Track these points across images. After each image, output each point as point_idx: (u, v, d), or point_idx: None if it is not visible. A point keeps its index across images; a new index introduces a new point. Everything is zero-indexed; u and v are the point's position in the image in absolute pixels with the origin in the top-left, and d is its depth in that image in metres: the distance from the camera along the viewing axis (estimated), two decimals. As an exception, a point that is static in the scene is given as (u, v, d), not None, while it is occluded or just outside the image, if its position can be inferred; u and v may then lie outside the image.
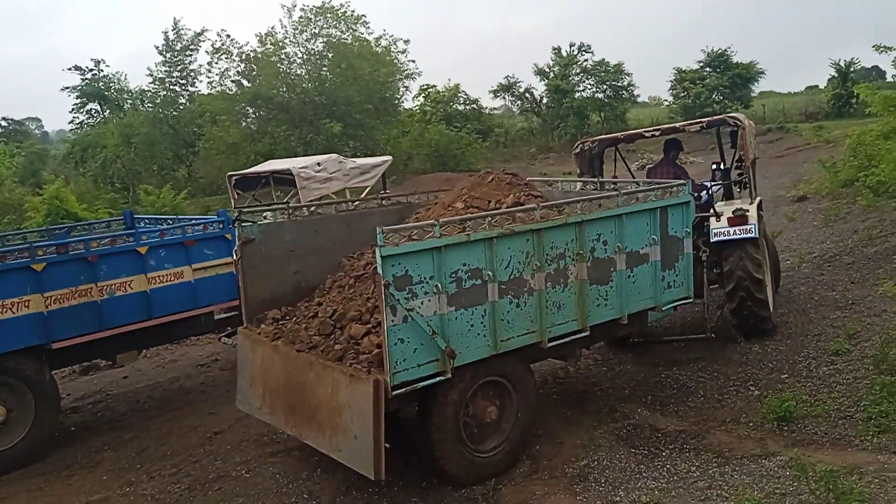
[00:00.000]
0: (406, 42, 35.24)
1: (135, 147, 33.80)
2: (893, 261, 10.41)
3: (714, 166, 9.40)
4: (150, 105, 36.63)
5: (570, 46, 43.38)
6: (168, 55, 36.03)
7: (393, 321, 4.90)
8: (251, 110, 33.08)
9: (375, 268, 4.86)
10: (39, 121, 63.23)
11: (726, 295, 8.15)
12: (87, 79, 40.92)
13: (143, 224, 10.32)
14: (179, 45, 36.08)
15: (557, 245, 5.83)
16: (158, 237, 8.36)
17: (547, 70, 43.62)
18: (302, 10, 32.41)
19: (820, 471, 5.13)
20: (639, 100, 48.13)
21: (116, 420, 8.39)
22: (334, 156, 10.73)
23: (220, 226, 8.90)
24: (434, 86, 40.66)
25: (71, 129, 44.51)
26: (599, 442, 6.34)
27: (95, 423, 8.35)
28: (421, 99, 40.26)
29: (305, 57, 32.97)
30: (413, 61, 36.21)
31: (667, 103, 47.65)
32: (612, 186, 7.51)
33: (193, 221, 9.07)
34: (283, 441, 7.13)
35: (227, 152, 31.15)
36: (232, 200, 11.06)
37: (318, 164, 10.33)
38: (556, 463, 6.02)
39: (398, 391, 4.95)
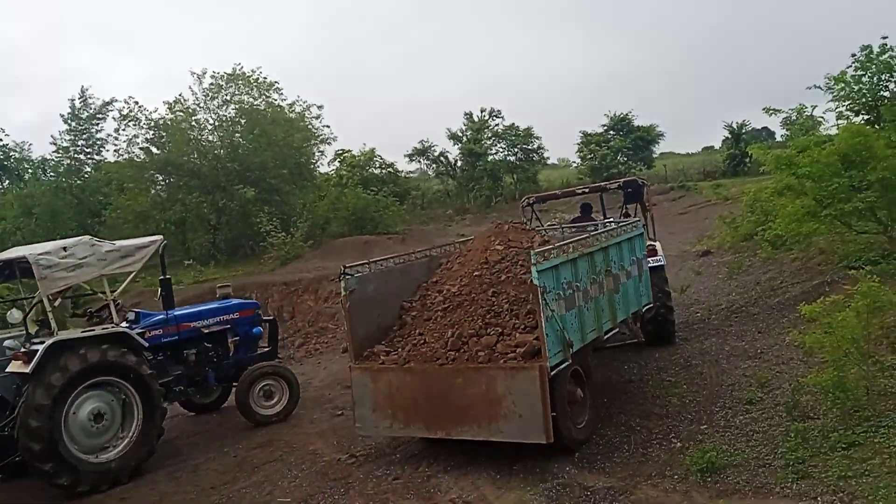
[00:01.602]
0: (320, 107, 35.16)
1: (36, 218, 32.15)
2: (795, 310, 10.96)
3: (621, 215, 11.71)
4: (52, 174, 35.15)
5: (482, 112, 44.66)
6: (73, 123, 34.84)
7: (545, 319, 6.47)
8: (161, 177, 32.22)
9: (531, 280, 6.51)
10: (-71, 191, 59.42)
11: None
12: (-17, 148, 39.08)
13: None
14: (86, 112, 35.01)
15: (598, 264, 7.79)
16: None
17: (460, 134, 44.62)
18: (212, 76, 32.14)
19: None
20: (549, 161, 49.70)
21: None
22: (86, 238, 9.18)
23: None
24: (349, 150, 40.84)
25: (-35, 201, 42.17)
26: (529, 503, 6.28)
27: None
28: (337, 163, 40.34)
29: (217, 123, 32.55)
30: (328, 126, 36.21)
31: (575, 164, 49.51)
32: (603, 225, 9.94)
33: None
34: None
35: (135, 221, 30.04)
36: None
37: (65, 248, 8.75)
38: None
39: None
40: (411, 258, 8.87)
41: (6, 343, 8.93)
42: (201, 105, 32.16)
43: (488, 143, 44.14)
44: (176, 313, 9.96)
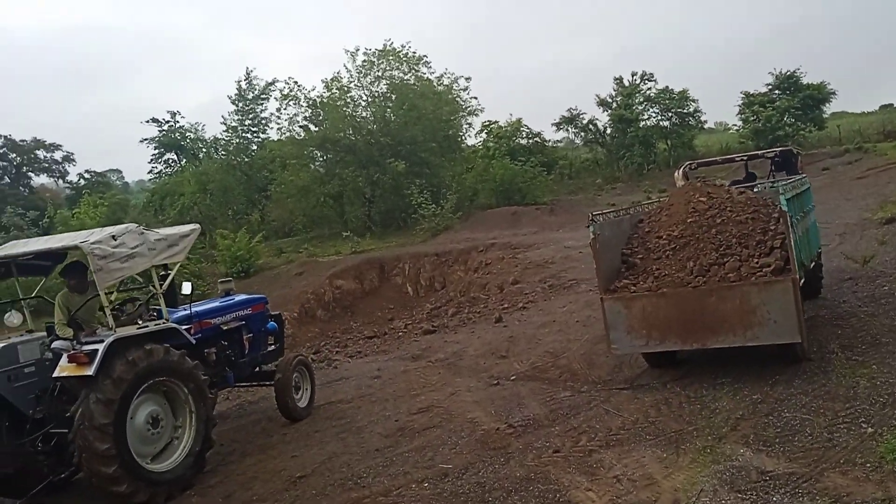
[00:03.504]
0: (467, 79, 35.43)
1: (210, 193, 34.99)
2: None
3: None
4: (223, 153, 37.96)
5: (632, 76, 42.95)
6: (240, 104, 37.40)
7: (792, 240, 7.96)
8: (319, 153, 33.85)
9: (780, 207, 8.07)
10: (120, 172, 66.32)
11: None
12: (163, 130, 42.91)
13: None
14: (251, 94, 37.42)
15: (799, 205, 9.23)
16: None
17: (609, 100, 43.22)
18: (365, 53, 33.17)
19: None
20: (706, 126, 46.98)
21: (201, 464, 8.43)
22: (133, 226, 8.18)
23: None
24: (496, 121, 40.85)
25: (150, 179, 46.65)
26: (701, 486, 5.97)
27: (182, 467, 8.37)
28: (484, 135, 40.46)
29: (370, 99, 33.65)
30: (475, 98, 36.38)
31: (735, 128, 46.44)
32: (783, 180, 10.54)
33: None
34: (367, 486, 7.01)
35: (297, 195, 31.91)
36: None
37: (114, 237, 7.72)
38: (657, 509, 5.68)
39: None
40: (636, 209, 10.34)
41: (55, 345, 7.85)
42: (355, 82, 33.31)
43: (640, 108, 42.36)
44: (196, 310, 9.13)
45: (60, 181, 55.58)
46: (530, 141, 40.18)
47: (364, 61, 33.17)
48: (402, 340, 14.99)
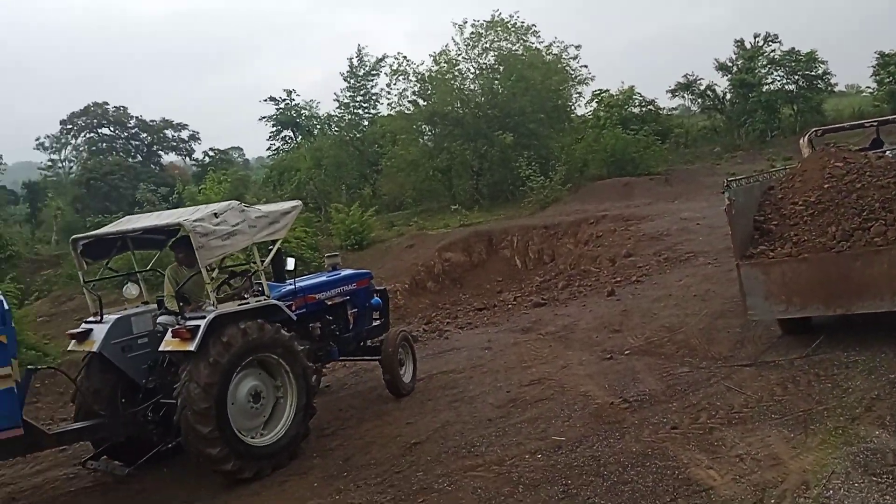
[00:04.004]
0: (577, 48, 34.55)
1: (324, 169, 36.09)
2: None
3: None
4: (336, 129, 39.04)
5: (755, 37, 40.36)
6: (352, 81, 38.26)
7: None
8: (427, 128, 34.12)
9: None
10: (241, 149, 69.60)
11: None
12: (280, 108, 44.62)
13: None
14: (363, 70, 38.19)
15: None
16: None
17: (729, 64, 40.91)
18: (473, 26, 32.99)
19: None
20: (836, 89, 43.60)
21: (322, 428, 8.79)
22: (235, 203, 8.26)
23: None
24: (607, 90, 39.61)
25: (268, 156, 48.74)
26: (832, 468, 5.65)
27: (304, 430, 8.77)
28: (594, 104, 39.40)
29: (477, 72, 33.50)
30: (585, 66, 35.41)
31: (869, 91, 42.88)
32: None
33: None
34: (481, 454, 7.10)
35: (407, 169, 32.36)
36: (80, 273, 8.52)
37: (216, 214, 7.81)
38: (784, 491, 5.44)
39: None
40: (764, 176, 10.27)
41: (160, 320, 8.15)
42: (462, 55, 33.25)
43: (763, 71, 39.91)
44: (301, 284, 9.19)
45: (187, 159, 59.21)
46: (643, 109, 38.69)
47: (472, 33, 33.02)
48: (511, 313, 14.99)
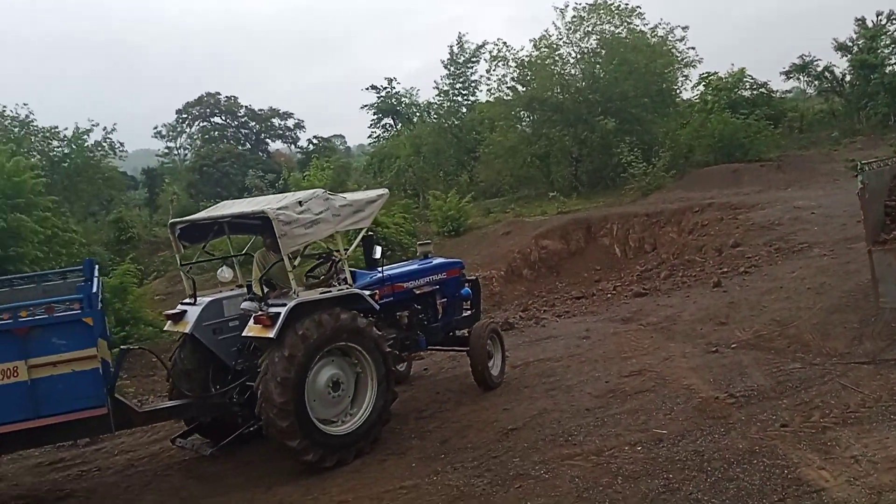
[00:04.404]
0: (684, 29, 33.25)
1: (423, 156, 36.56)
2: None
3: None
4: (435, 116, 39.42)
5: (877, 15, 37.56)
6: (452, 68, 38.52)
7: None
8: (526, 114, 33.86)
9: None
10: (343, 137, 71.47)
11: None
12: (381, 96, 45.51)
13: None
14: (462, 57, 38.35)
15: None
16: None
17: (849, 44, 38.31)
18: (574, 9, 32.39)
19: None
20: (974, 67, 39.98)
21: (420, 410, 8.96)
22: (320, 192, 8.23)
23: (75, 307, 6.98)
24: (716, 72, 37.93)
25: (369, 143, 49.89)
26: (962, 477, 5.26)
27: (402, 411, 8.91)
28: (701, 87, 37.86)
29: (578, 56, 32.90)
30: (692, 48, 34.01)
31: None
32: None
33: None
34: (579, 444, 7.04)
35: (505, 156, 32.28)
36: (177, 255, 8.73)
37: (300, 203, 7.84)
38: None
39: None
40: (894, 161, 10.09)
41: (243, 305, 8.23)
42: (563, 39, 32.73)
43: (886, 51, 37.10)
44: (389, 273, 9.14)
45: (293, 146, 61.37)
46: (754, 92, 36.87)
47: (574, 17, 32.43)
48: (610, 302, 14.72)
